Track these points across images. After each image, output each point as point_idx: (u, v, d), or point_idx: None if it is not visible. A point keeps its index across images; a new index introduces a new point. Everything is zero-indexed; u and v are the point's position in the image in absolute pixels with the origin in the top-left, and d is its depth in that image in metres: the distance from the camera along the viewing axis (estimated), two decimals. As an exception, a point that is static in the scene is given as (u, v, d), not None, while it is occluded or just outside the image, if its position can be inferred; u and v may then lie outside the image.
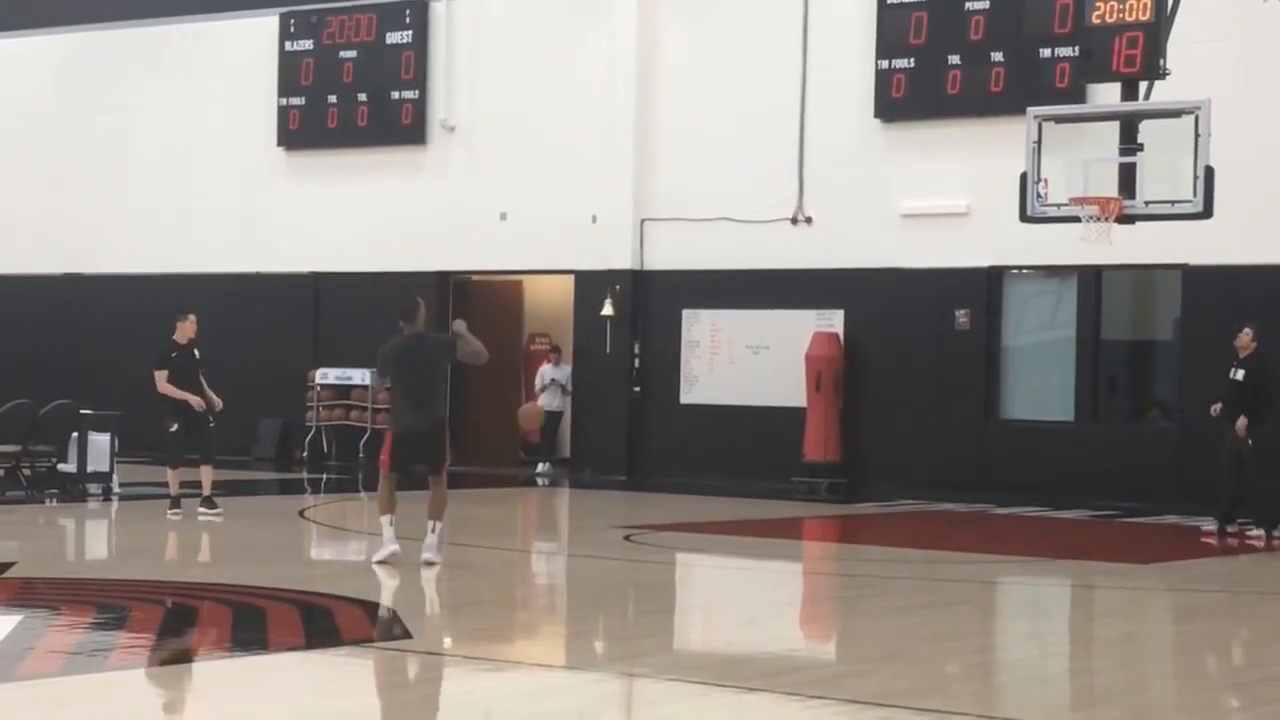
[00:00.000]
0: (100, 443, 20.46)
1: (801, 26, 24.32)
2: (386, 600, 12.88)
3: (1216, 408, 18.91)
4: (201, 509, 17.81)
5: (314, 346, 27.21)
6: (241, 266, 28.16)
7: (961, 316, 23.19)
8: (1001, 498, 22.07)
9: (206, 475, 17.99)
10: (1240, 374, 18.77)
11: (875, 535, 19.28)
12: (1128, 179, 16.92)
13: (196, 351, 18.22)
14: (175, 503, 17.88)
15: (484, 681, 9.69)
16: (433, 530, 14.25)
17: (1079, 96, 20.99)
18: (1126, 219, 17.11)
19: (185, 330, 18.23)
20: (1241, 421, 18.50)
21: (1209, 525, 19.26)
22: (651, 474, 24.88)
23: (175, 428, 17.80)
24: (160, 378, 17.88)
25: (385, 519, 14.32)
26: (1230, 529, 18.87)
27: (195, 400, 17.83)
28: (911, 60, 23.42)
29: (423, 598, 13.20)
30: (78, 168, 29.84)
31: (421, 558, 14.06)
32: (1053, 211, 17.32)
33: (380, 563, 14.09)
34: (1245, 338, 18.87)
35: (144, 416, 24.68)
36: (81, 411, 20.44)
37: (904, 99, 23.49)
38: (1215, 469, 21.04)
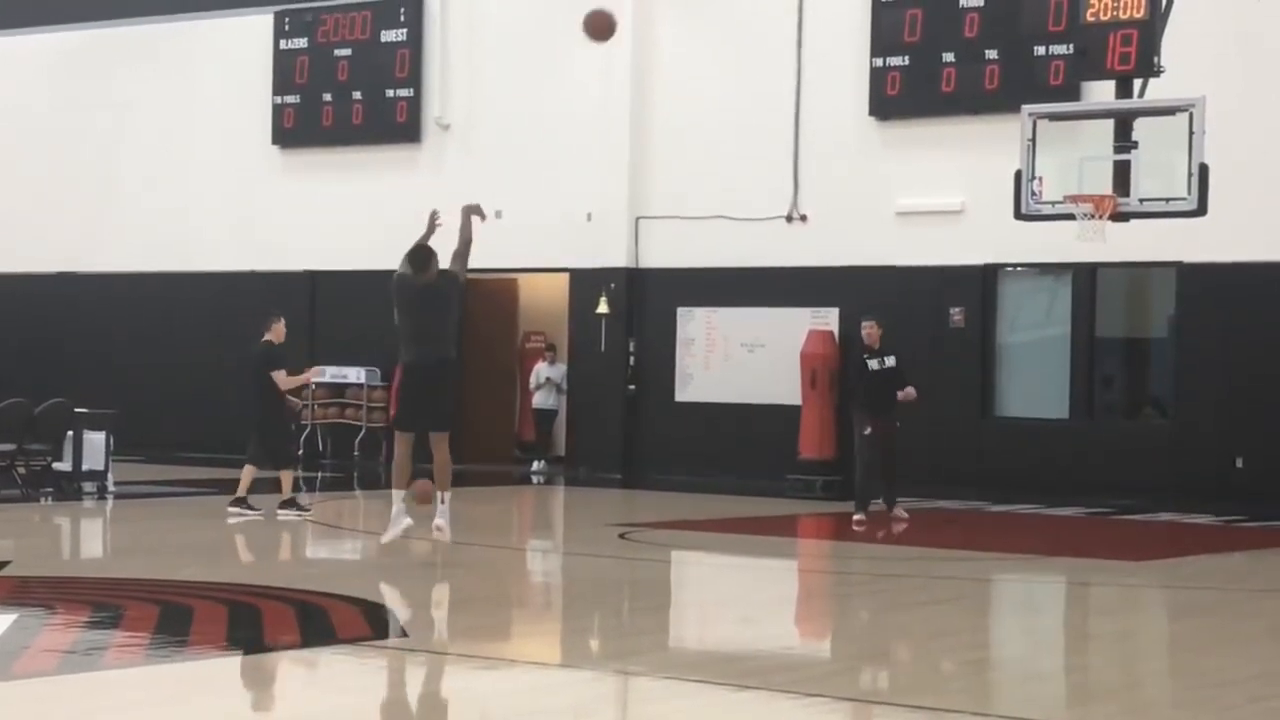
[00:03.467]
0: (95, 441, 20.45)
1: (796, 24, 24.34)
2: (383, 599, 12.87)
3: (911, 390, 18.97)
4: (283, 509, 17.94)
5: (309, 345, 27.18)
6: (236, 265, 28.17)
7: (956, 314, 23.20)
8: (996, 495, 22.09)
9: (287, 479, 18.08)
10: (891, 360, 18.96)
11: (869, 533, 19.29)
12: (1122, 177, 16.95)
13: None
14: (290, 503, 17.95)
15: (480, 679, 9.69)
16: (442, 500, 13.98)
17: (1073, 94, 21.03)
18: (1121, 217, 17.14)
19: (279, 331, 18.18)
20: (911, 391, 18.90)
21: (858, 516, 18.98)
22: (647, 472, 24.89)
23: (292, 427, 18.28)
24: (279, 377, 17.83)
25: (397, 494, 14.07)
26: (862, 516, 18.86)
27: (303, 379, 18.32)
28: (906, 58, 23.43)
29: (419, 596, 13.20)
30: (72, 165, 29.83)
31: (435, 524, 14.01)
32: (1047, 209, 17.35)
33: (389, 541, 14.00)
34: (874, 329, 19.05)
35: (139, 415, 24.82)
36: (76, 410, 20.43)
37: (899, 97, 23.51)
38: (1202, 465, 21.18)
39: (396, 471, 14.24)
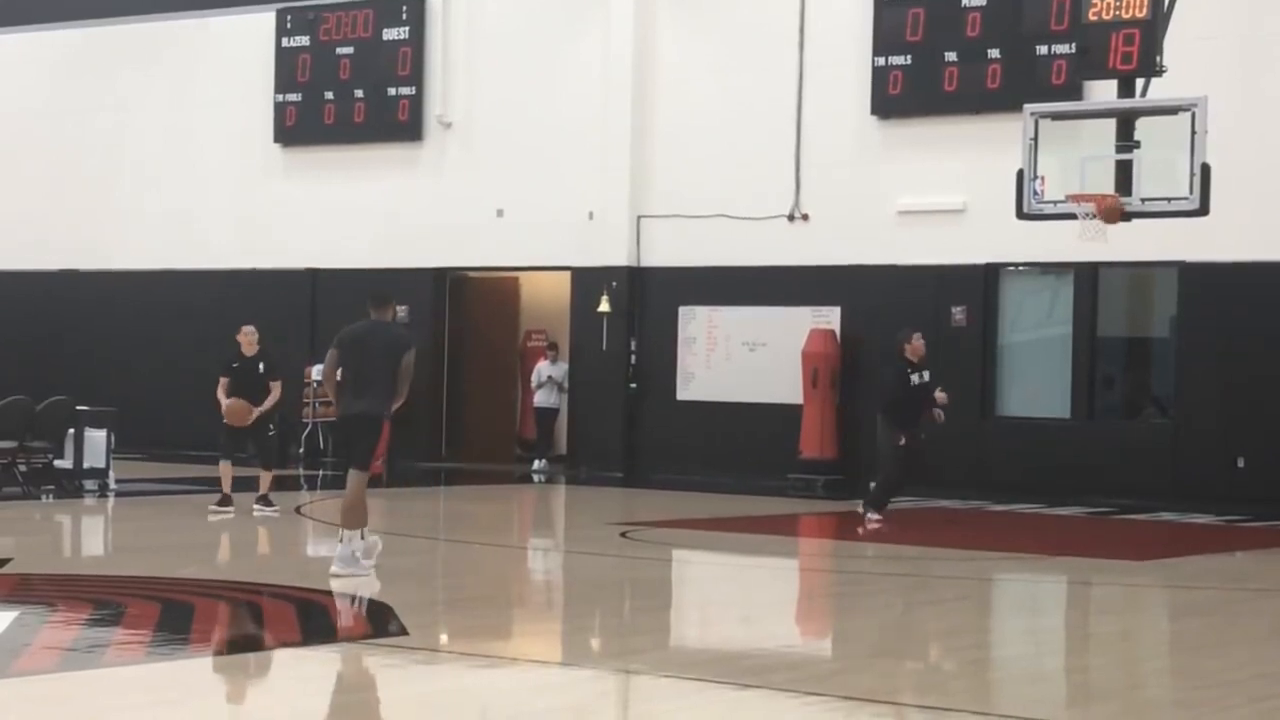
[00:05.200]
0: (96, 439, 20.48)
1: (798, 23, 24.32)
2: (383, 597, 12.85)
3: (941, 413, 18.54)
4: (257, 505, 17.96)
5: (311, 343, 27.18)
6: (238, 263, 28.16)
7: (958, 313, 23.19)
8: (998, 495, 22.08)
9: (265, 479, 18.12)
10: (927, 375, 18.45)
11: (871, 532, 19.27)
12: (1124, 176, 16.94)
13: (262, 364, 18.28)
14: (225, 500, 17.89)
15: (480, 678, 9.69)
16: (341, 540, 13.16)
17: (1076, 93, 21.02)
18: (1123, 216, 17.13)
19: (245, 341, 18.31)
20: (942, 397, 18.50)
21: (874, 516, 18.46)
22: (648, 470, 24.88)
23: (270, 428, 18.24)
24: (220, 384, 18.09)
25: (348, 533, 13.28)
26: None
27: (243, 406, 17.92)
28: (908, 57, 23.42)
29: (420, 594, 13.19)
30: (75, 164, 29.82)
31: (330, 570, 13.08)
32: (1049, 209, 17.34)
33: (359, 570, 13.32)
34: (922, 343, 18.55)
35: (140, 412, 24.84)
36: (78, 407, 20.44)
37: (901, 96, 23.50)
38: (1203, 464, 21.17)
39: (347, 512, 13.38)
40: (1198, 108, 16.57)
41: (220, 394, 18.09)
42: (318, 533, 17.58)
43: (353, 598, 12.38)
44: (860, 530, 18.13)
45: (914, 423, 18.49)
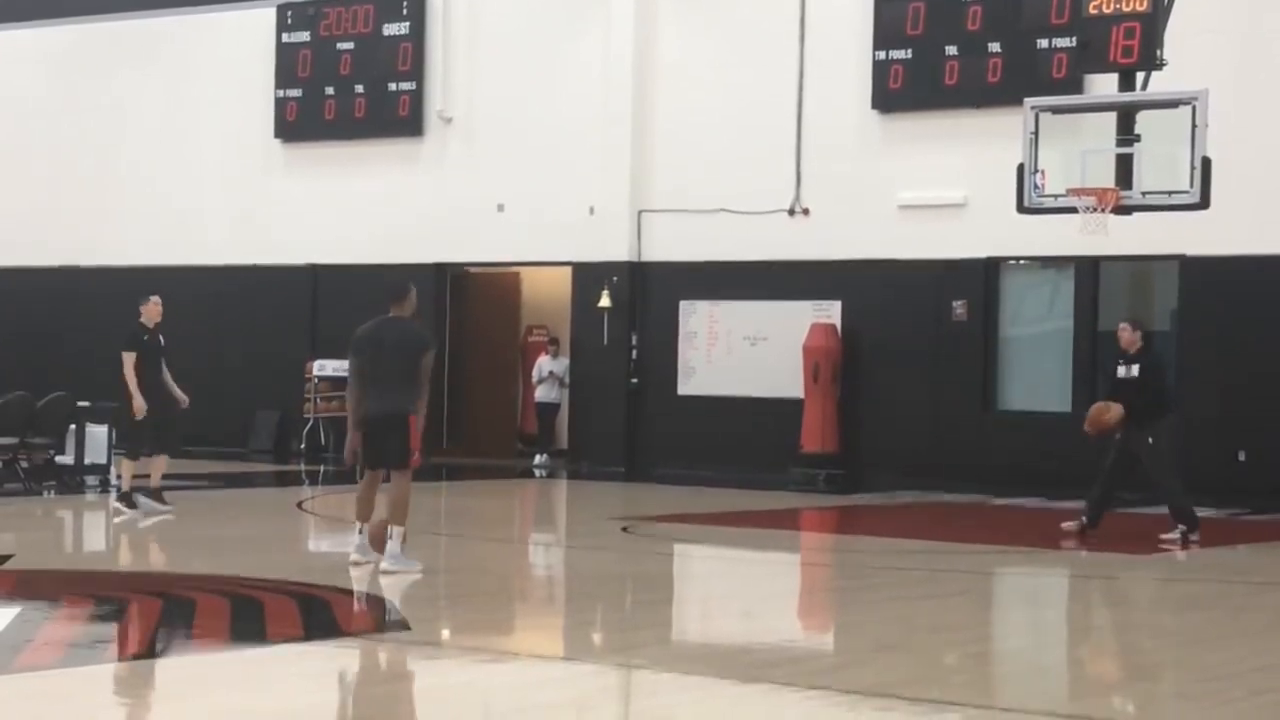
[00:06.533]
0: (97, 435, 20.49)
1: (799, 17, 24.31)
2: (385, 592, 12.86)
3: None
4: (145, 499, 17.06)
5: (311, 338, 27.20)
6: (239, 258, 28.16)
7: (959, 308, 23.18)
8: (999, 488, 22.08)
9: (160, 466, 17.10)
10: (1135, 369, 17.20)
11: (872, 526, 19.30)
12: (1125, 170, 16.93)
13: (162, 337, 17.29)
14: (128, 499, 16.89)
15: (482, 673, 9.70)
16: (391, 536, 13.18)
17: (1076, 87, 20.99)
18: (1124, 210, 17.12)
19: (150, 312, 17.18)
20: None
21: (1070, 525, 17.34)
22: (649, 465, 24.87)
23: (143, 416, 16.73)
24: (128, 360, 16.85)
25: (356, 525, 13.51)
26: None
27: (139, 406, 16.70)
28: (909, 51, 23.40)
29: (421, 589, 13.20)
30: (74, 160, 29.81)
31: (380, 567, 13.17)
32: (1050, 202, 17.34)
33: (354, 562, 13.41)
34: (1130, 333, 17.34)
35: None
36: (79, 404, 20.44)
37: (901, 90, 23.49)
38: (1204, 458, 21.12)
39: (359, 504, 13.58)
40: (1198, 101, 16.57)
41: (129, 374, 16.78)
42: (319, 528, 17.58)
43: (354, 593, 12.40)
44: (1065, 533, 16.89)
45: (1127, 418, 16.94)
